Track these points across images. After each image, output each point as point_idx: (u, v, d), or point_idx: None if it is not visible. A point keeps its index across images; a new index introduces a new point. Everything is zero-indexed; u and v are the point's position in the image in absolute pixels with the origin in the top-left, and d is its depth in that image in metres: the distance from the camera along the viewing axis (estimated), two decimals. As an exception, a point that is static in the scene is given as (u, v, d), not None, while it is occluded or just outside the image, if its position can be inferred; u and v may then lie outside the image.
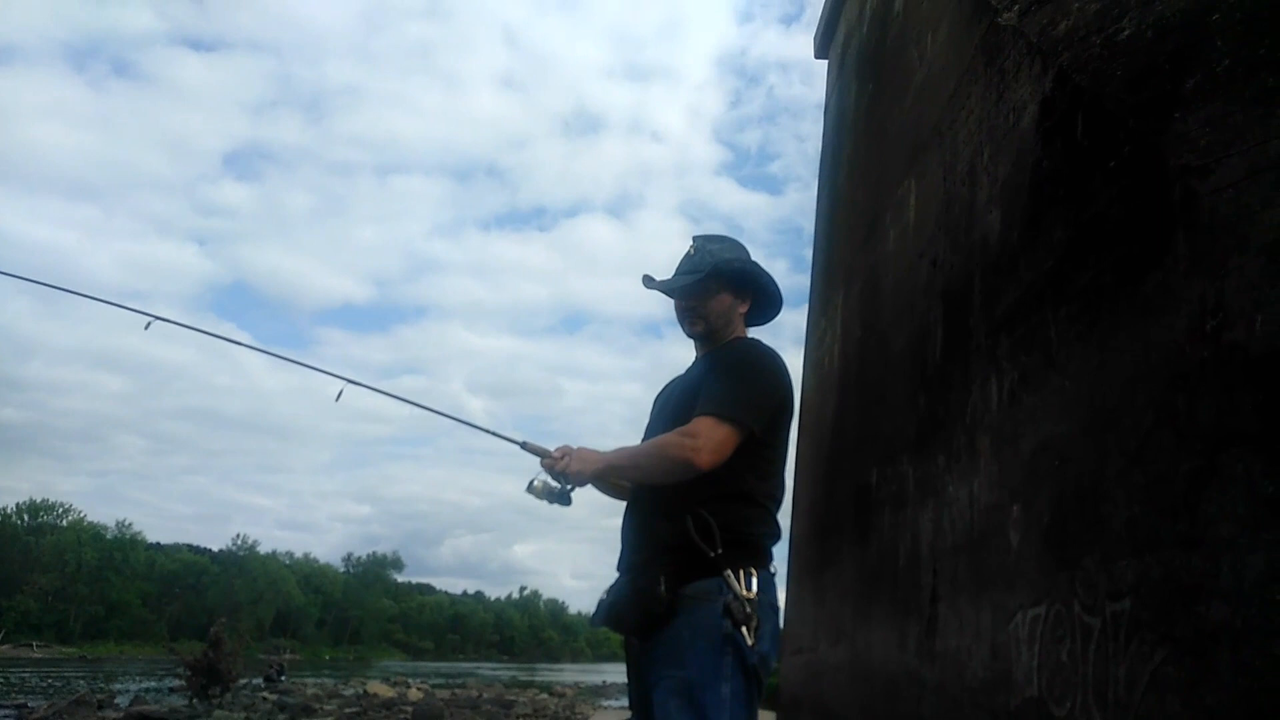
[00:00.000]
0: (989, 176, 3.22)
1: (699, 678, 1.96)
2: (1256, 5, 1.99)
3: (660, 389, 2.47)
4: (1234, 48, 1.99)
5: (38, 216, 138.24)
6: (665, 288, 2.31)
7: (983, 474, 3.08)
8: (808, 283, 8.42)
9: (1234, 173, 1.84)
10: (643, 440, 2.39)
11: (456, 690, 22.53)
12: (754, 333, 2.40)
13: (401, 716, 13.70)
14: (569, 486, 2.22)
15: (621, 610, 2.12)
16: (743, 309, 2.31)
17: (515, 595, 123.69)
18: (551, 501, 2.22)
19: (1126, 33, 2.36)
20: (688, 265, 2.31)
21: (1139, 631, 2.00)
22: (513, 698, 20.12)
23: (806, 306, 8.39)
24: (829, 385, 6.52)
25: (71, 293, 3.00)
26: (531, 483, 2.24)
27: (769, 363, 2.20)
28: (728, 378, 2.14)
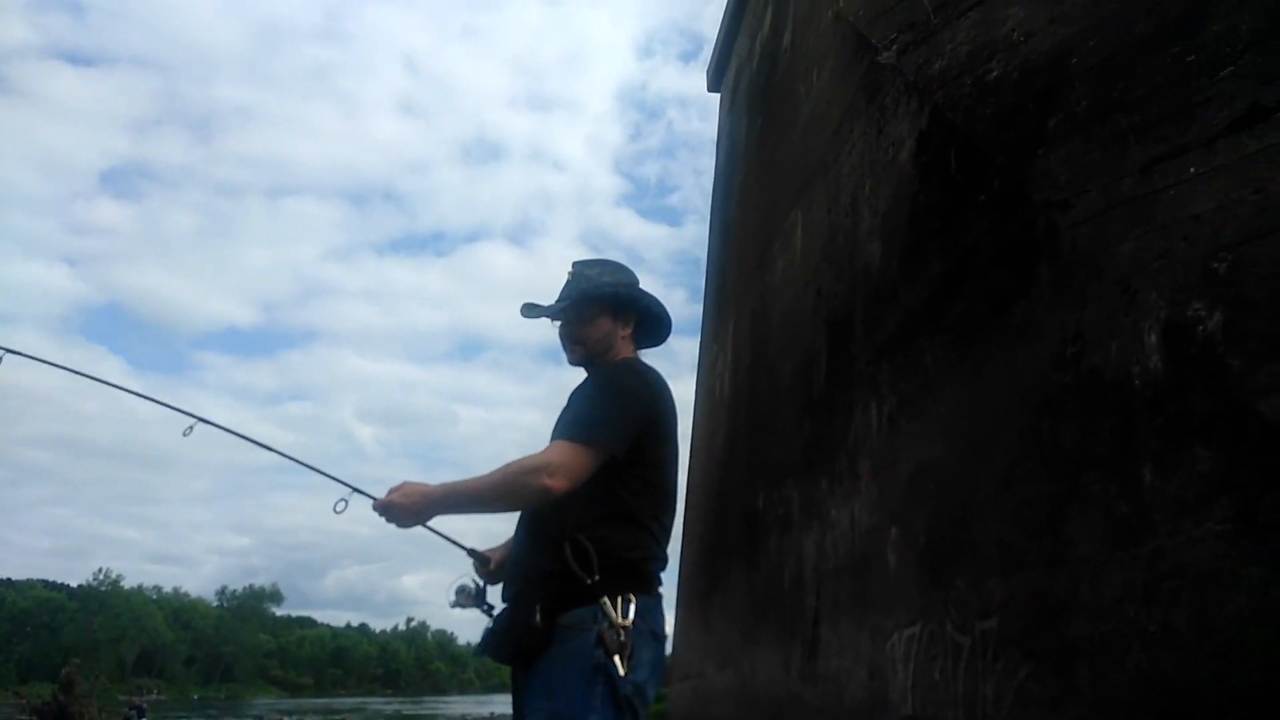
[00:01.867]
0: (870, 208, 3.32)
1: (567, 709, 1.91)
2: (1112, 50, 2.11)
3: None
4: (1091, 90, 2.11)
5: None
6: (541, 315, 2.28)
7: (863, 497, 3.15)
8: (701, 311, 8.50)
9: (1091, 207, 1.94)
10: None
11: (335, 728, 21.57)
12: (646, 354, 2.39)
13: (275, 758, 13.01)
14: (483, 584, 2.19)
15: (499, 639, 2.08)
16: (624, 332, 2.28)
17: (402, 627, 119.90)
18: (475, 607, 2.20)
19: (995, 74, 2.48)
20: (565, 291, 2.29)
21: (1006, 649, 2.06)
22: (396, 734, 19.40)
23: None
24: (720, 412, 6.58)
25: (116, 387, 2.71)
26: (463, 590, 2.21)
27: (633, 380, 2.17)
28: (587, 400, 2.12)
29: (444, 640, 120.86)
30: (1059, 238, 2.01)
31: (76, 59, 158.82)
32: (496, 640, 2.08)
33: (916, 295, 2.80)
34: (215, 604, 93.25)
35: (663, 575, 2.14)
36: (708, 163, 8.92)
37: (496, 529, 2.36)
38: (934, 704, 2.39)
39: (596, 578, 1.94)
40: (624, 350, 2.28)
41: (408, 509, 2.04)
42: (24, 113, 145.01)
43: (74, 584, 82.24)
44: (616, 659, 1.90)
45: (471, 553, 2.26)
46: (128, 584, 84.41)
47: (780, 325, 4.79)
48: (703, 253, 8.79)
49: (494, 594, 2.24)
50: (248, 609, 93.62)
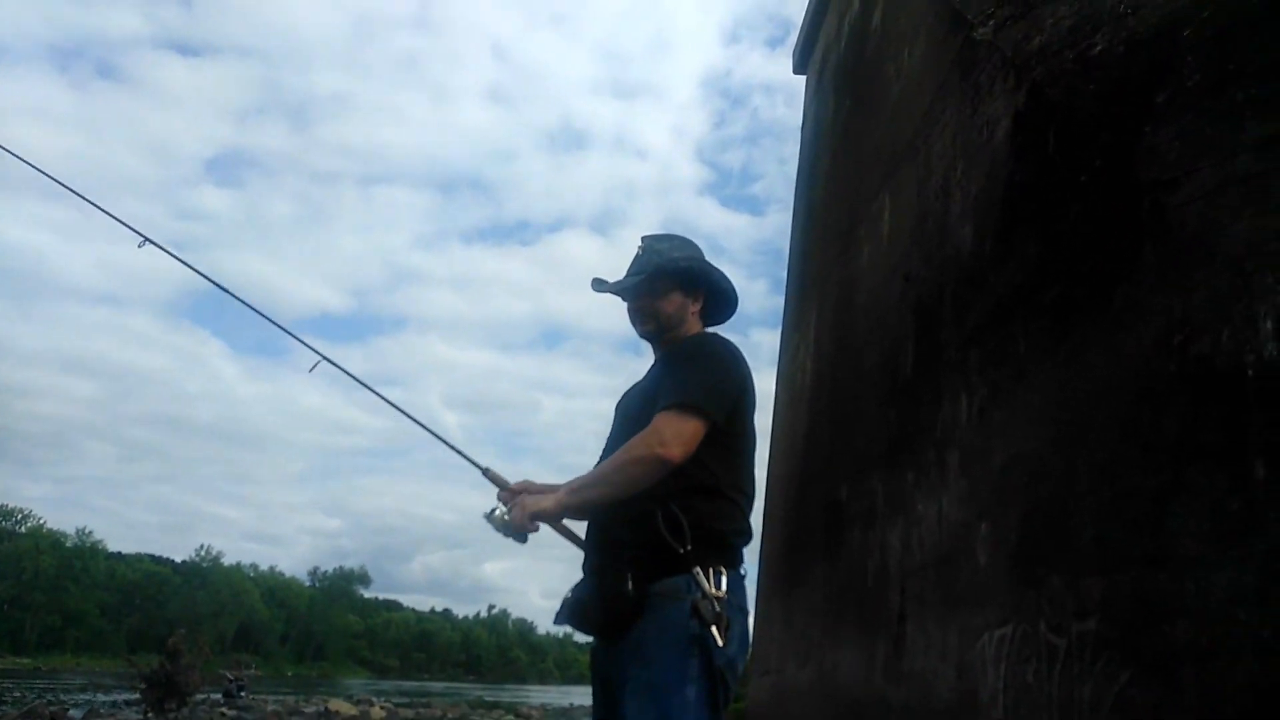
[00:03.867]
0: (962, 190, 3.21)
1: (663, 679, 1.90)
2: (1227, 21, 1.99)
3: (620, 397, 2.44)
4: (1204, 63, 1.98)
5: (14, 217, 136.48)
6: (614, 289, 2.28)
7: (951, 490, 3.05)
8: (784, 302, 8.39)
9: (1203, 186, 1.83)
10: (604, 453, 2.33)
11: (421, 710, 22.20)
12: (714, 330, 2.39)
13: (363, 734, 13.44)
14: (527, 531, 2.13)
15: (587, 609, 2.05)
16: (695, 307, 2.29)
17: (484, 614, 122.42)
18: (507, 535, 2.14)
19: (1099, 48, 2.36)
20: (636, 266, 2.28)
21: (1105, 651, 1.97)
22: (478, 718, 19.83)
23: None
24: (801, 401, 6.50)
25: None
26: (492, 512, 2.15)
27: (725, 351, 2.16)
28: (685, 368, 2.10)
29: (524, 629, 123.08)
30: (1166, 218, 1.91)
31: (185, 49, 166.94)
32: (583, 610, 2.06)
33: (1009, 280, 2.69)
34: (308, 584, 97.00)
35: (746, 552, 2.12)
36: (791, 150, 8.82)
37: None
38: (1027, 707, 2.30)
39: (689, 547, 1.93)
40: (693, 325, 2.29)
41: (537, 508, 2.04)
42: (136, 101, 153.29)
43: (178, 559, 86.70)
44: (713, 630, 1.88)
45: (486, 472, 2.25)
46: (227, 561, 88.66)
47: (865, 312, 4.69)
48: (785, 244, 8.69)
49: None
50: (338, 590, 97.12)
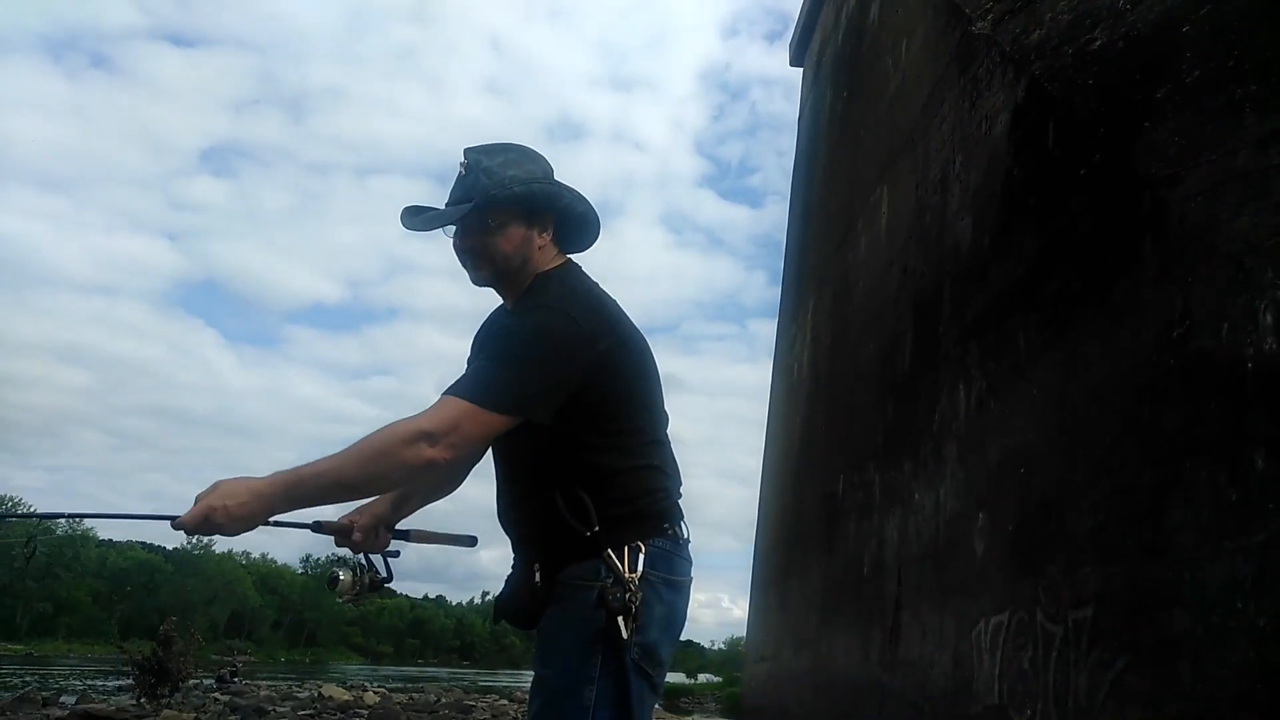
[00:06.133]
0: (961, 185, 3.22)
1: (559, 679, 1.72)
2: (1226, 18, 2.00)
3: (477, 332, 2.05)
4: (1203, 60, 2.00)
5: (6, 207, 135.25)
6: (432, 226, 1.81)
7: (949, 482, 3.08)
8: (779, 291, 8.40)
9: (1203, 182, 1.85)
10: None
11: (414, 694, 22.25)
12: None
13: (357, 719, 13.50)
14: (382, 576, 1.84)
15: (504, 603, 1.88)
16: (542, 239, 1.82)
17: (478, 600, 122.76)
18: (371, 595, 1.84)
19: (1098, 43, 2.37)
20: (459, 190, 1.81)
21: (1101, 640, 2.00)
22: (471, 703, 19.85)
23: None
24: (798, 393, 6.52)
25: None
26: (337, 583, 1.84)
27: (562, 325, 1.70)
28: (499, 347, 1.73)
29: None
30: (1166, 213, 1.93)
31: (180, 40, 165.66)
32: (502, 605, 1.90)
33: (1008, 274, 2.72)
34: (300, 571, 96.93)
35: (681, 504, 1.86)
36: (790, 143, 8.80)
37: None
38: (1022, 693, 2.34)
39: (596, 529, 1.70)
40: (546, 259, 1.84)
41: (234, 513, 1.61)
42: (130, 92, 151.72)
43: (170, 547, 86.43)
44: (621, 620, 1.66)
45: (318, 526, 1.86)
46: (219, 549, 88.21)
47: (863, 305, 4.71)
48: (783, 236, 8.68)
49: (382, 564, 1.97)
50: (330, 577, 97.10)
